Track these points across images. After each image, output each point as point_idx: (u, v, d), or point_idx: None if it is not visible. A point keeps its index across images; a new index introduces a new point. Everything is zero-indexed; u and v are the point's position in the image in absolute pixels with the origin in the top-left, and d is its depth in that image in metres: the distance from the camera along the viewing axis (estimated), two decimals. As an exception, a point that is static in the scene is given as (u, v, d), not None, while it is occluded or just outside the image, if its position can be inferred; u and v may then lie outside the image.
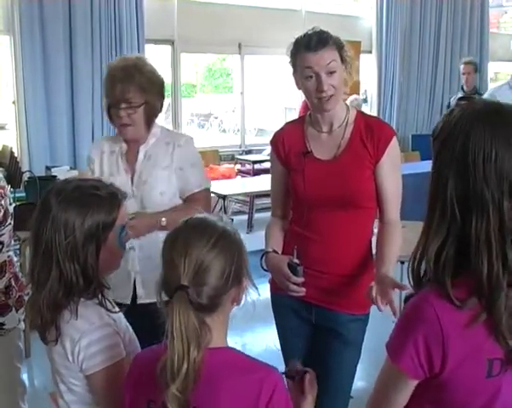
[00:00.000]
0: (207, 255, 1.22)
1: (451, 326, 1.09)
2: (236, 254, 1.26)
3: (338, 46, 1.97)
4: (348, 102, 2.14)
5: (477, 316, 1.08)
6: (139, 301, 2.22)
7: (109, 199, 1.47)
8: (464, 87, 6.74)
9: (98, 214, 1.42)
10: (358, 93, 7.64)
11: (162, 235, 2.18)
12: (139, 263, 2.25)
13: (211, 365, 1.22)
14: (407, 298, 1.20)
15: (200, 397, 1.20)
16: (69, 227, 1.39)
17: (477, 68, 6.84)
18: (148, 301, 2.06)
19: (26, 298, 2.23)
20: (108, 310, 1.44)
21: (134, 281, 2.25)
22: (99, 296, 1.44)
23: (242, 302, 1.30)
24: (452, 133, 1.13)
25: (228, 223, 1.32)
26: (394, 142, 2.01)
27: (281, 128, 2.19)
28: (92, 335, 1.37)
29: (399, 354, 1.14)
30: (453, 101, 6.77)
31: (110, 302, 1.47)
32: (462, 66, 6.76)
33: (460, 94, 6.72)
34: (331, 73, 1.93)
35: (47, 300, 1.38)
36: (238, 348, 1.31)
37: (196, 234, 1.24)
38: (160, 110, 2.32)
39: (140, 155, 2.30)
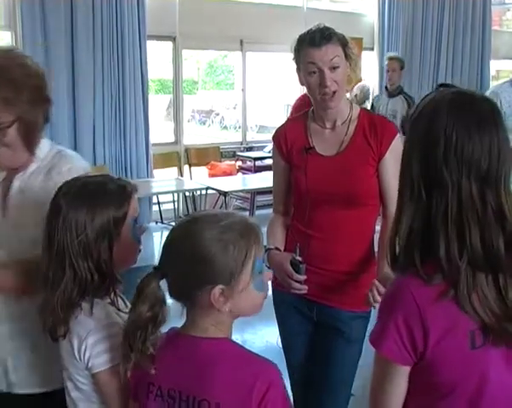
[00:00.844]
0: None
1: (426, 302, 1.11)
2: (228, 249, 1.20)
3: (343, 42, 1.96)
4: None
5: (445, 292, 1.10)
6: (15, 390, 1.67)
7: (118, 193, 1.45)
8: (388, 86, 5.93)
9: (108, 209, 1.40)
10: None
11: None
12: (10, 339, 1.65)
13: (206, 354, 1.22)
14: None
15: (193, 385, 1.21)
16: (79, 225, 1.37)
17: (403, 65, 5.98)
18: (26, 391, 1.67)
19: None
20: (119, 310, 1.42)
21: (6, 364, 1.67)
22: (112, 294, 1.43)
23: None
24: (420, 115, 1.18)
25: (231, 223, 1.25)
26: (397, 139, 2.01)
27: (284, 124, 2.19)
28: (99, 333, 1.37)
29: (382, 340, 1.15)
30: (376, 102, 6.08)
31: (123, 300, 1.46)
32: (386, 63, 5.97)
33: (385, 95, 5.96)
34: (334, 68, 1.93)
35: (61, 300, 1.37)
36: (238, 344, 1.30)
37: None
38: (44, 121, 1.74)
39: (14, 189, 1.66)
